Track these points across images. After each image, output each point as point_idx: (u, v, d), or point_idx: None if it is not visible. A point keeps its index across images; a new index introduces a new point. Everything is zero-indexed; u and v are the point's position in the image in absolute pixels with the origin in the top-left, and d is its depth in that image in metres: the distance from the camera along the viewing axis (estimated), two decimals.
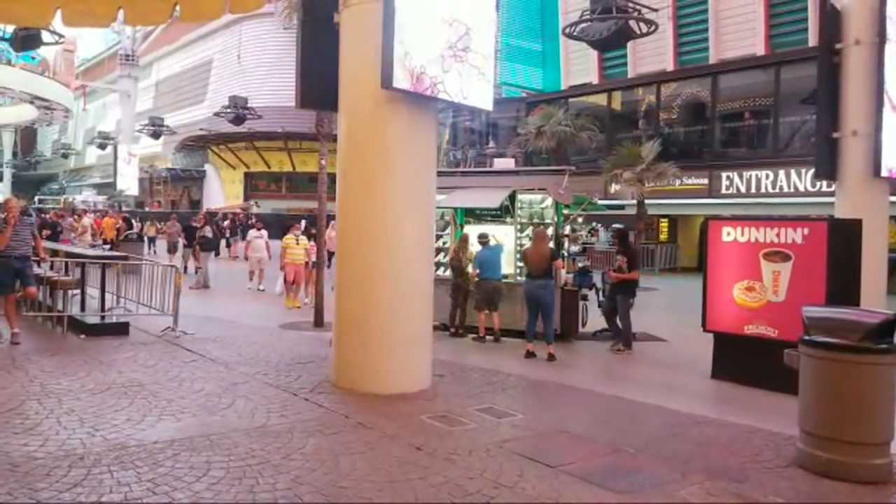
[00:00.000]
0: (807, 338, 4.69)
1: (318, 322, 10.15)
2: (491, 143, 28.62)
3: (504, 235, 10.17)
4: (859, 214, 8.67)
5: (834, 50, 10.53)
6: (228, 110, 32.02)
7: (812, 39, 19.09)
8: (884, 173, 10.47)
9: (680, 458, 4.81)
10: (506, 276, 9.75)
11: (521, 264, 10.05)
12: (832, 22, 10.53)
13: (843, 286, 6.67)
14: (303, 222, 26.81)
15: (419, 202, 6.48)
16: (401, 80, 5.93)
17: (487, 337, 9.49)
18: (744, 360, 7.26)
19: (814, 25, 18.82)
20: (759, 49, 21.70)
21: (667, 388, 7.36)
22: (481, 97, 6.84)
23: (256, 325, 9.51)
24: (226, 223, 23.41)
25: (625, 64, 25.51)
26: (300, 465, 4.36)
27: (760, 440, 5.27)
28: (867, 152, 10.42)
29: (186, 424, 5.12)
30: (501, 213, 10.60)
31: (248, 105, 32.44)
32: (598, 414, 5.99)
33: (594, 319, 10.44)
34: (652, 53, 24.21)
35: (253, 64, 41.41)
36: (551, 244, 9.15)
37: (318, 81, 6.67)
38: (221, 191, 45.65)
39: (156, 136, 41.70)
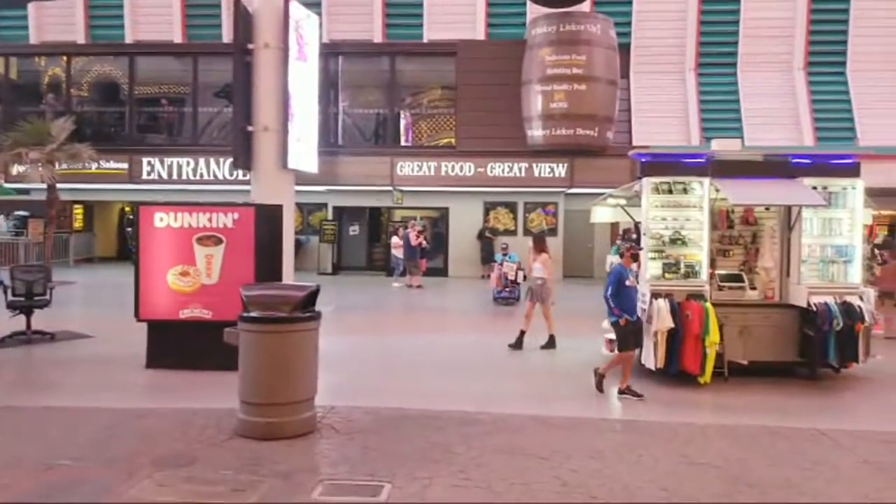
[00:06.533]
0: (245, 315, 5.01)
1: None
2: None
3: None
4: (272, 201, 9.78)
5: (247, 50, 11.53)
6: None
7: (227, 36, 20.37)
8: (290, 166, 12.13)
9: (124, 456, 4.53)
10: None
11: None
12: (245, 23, 11.48)
13: (269, 265, 7.42)
14: None
15: None
16: None
17: None
18: (181, 344, 7.30)
19: (228, 23, 20.10)
20: (177, 37, 21.93)
21: (100, 386, 6.84)
22: None
23: None
24: None
25: (26, 27, 22.00)
26: None
27: (202, 420, 5.39)
28: (277, 146, 11.85)
29: None
30: None
31: None
32: (22, 432, 5.08)
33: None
34: (59, 21, 21.62)
35: None
36: None
37: None
38: None
39: None
